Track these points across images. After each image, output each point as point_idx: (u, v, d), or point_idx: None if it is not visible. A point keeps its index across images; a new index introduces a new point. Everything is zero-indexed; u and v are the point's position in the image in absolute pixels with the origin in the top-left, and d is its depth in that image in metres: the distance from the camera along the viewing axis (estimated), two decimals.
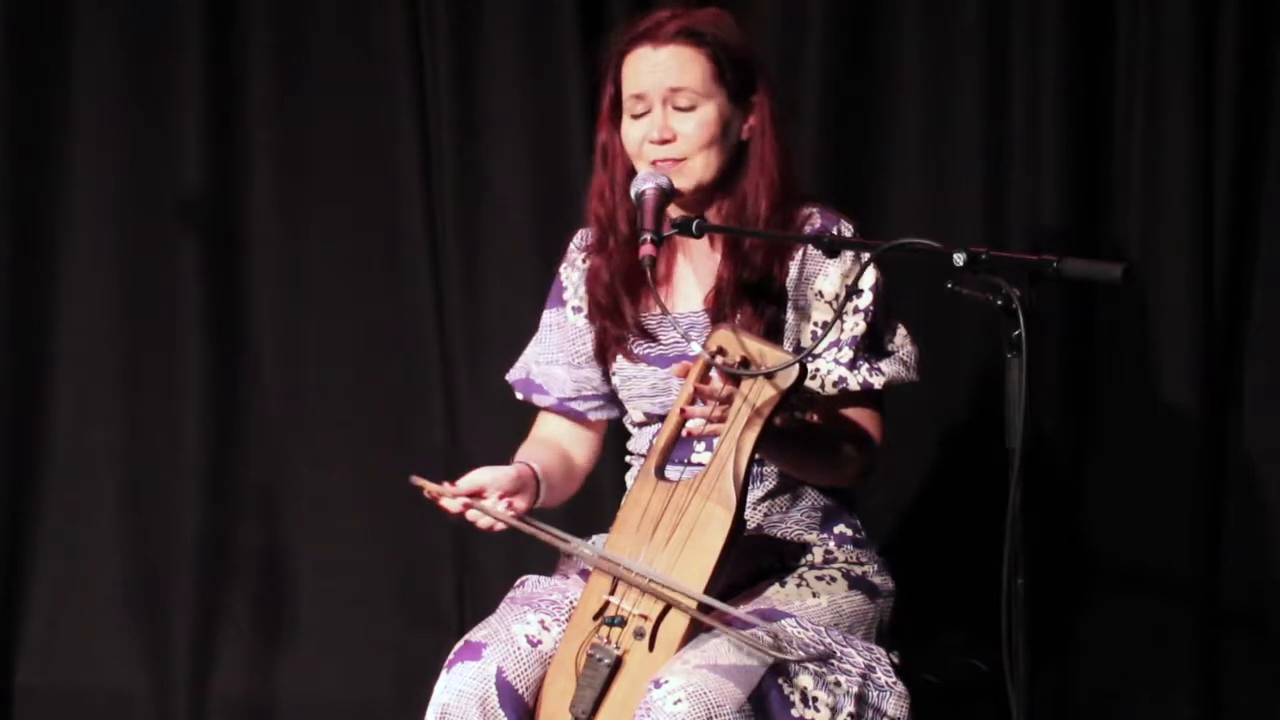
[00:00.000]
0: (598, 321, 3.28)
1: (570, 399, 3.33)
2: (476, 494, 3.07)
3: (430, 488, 3.06)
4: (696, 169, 3.16)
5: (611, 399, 3.34)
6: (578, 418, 3.35)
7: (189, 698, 4.35)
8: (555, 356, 3.34)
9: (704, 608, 2.95)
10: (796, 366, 2.94)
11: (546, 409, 3.36)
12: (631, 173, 3.18)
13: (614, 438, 3.43)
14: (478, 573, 4.25)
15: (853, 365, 3.15)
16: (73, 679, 4.41)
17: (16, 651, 4.43)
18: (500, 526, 3.07)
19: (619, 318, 3.24)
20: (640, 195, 3.08)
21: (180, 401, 4.35)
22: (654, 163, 3.14)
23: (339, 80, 4.30)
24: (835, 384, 3.15)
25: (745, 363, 2.97)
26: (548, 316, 3.36)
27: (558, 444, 3.34)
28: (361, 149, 4.30)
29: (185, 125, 4.32)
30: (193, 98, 4.31)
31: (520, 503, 3.11)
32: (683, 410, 3.01)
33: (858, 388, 3.15)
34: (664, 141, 3.14)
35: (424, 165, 4.25)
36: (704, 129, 3.15)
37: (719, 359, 2.97)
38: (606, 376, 3.31)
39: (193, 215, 4.32)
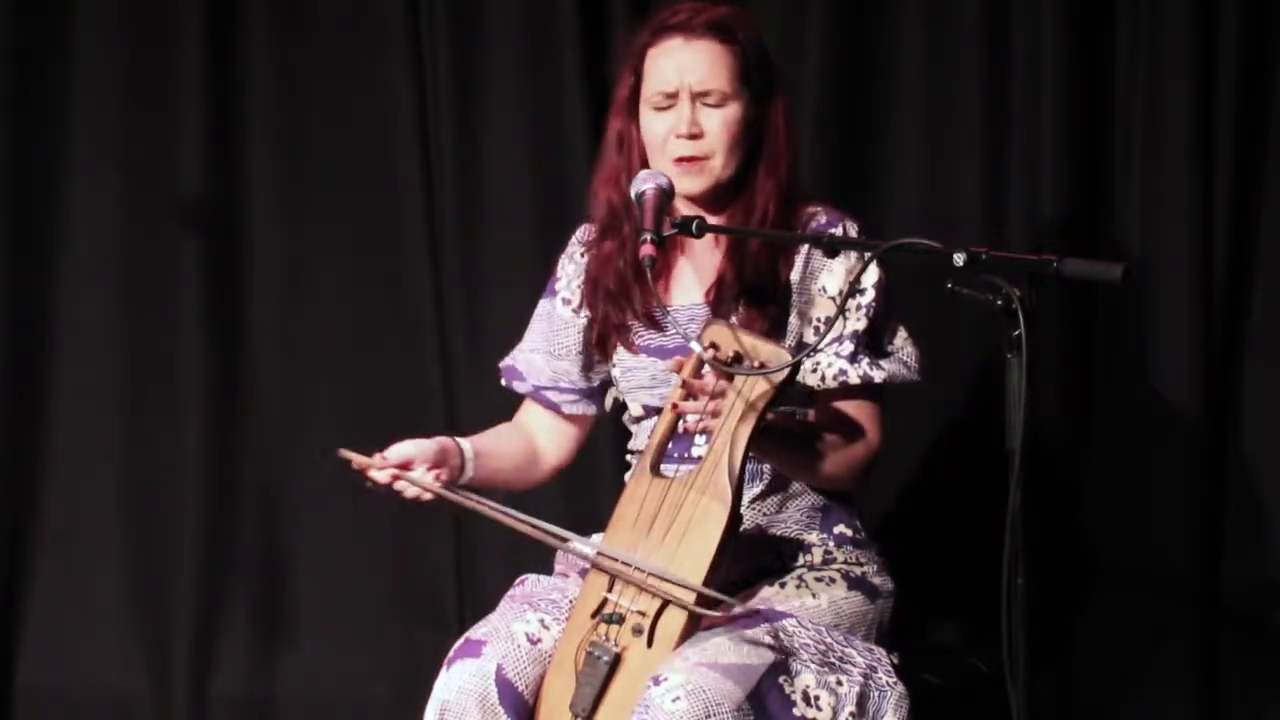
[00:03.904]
0: (599, 309, 3.27)
1: (546, 388, 3.34)
2: (405, 465, 3.10)
3: (359, 460, 3.09)
4: (716, 169, 3.17)
5: (589, 395, 3.34)
6: (553, 408, 3.35)
7: (189, 698, 4.35)
8: (538, 345, 3.35)
9: (701, 600, 2.95)
10: (787, 360, 2.94)
11: (525, 396, 3.38)
12: (647, 162, 3.18)
13: (615, 436, 3.43)
14: (477, 571, 4.25)
15: (853, 359, 3.15)
16: (73, 679, 4.41)
17: (16, 652, 4.43)
18: (427, 496, 3.11)
19: (628, 303, 3.24)
20: (640, 195, 3.08)
21: (180, 401, 4.36)
22: (677, 160, 3.14)
23: (339, 80, 4.31)
24: (835, 377, 3.15)
25: (739, 357, 2.97)
26: (540, 305, 3.37)
27: (527, 431, 3.36)
28: (361, 149, 4.30)
29: (185, 125, 4.33)
30: (193, 98, 4.32)
31: (443, 475, 3.15)
32: (675, 405, 3.01)
33: (858, 381, 3.15)
34: (692, 136, 3.14)
35: (424, 165, 4.25)
36: (729, 128, 3.15)
37: (711, 354, 2.97)
38: (586, 371, 3.32)
39: (193, 215, 4.33)
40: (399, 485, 3.12)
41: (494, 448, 3.28)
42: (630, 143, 3.23)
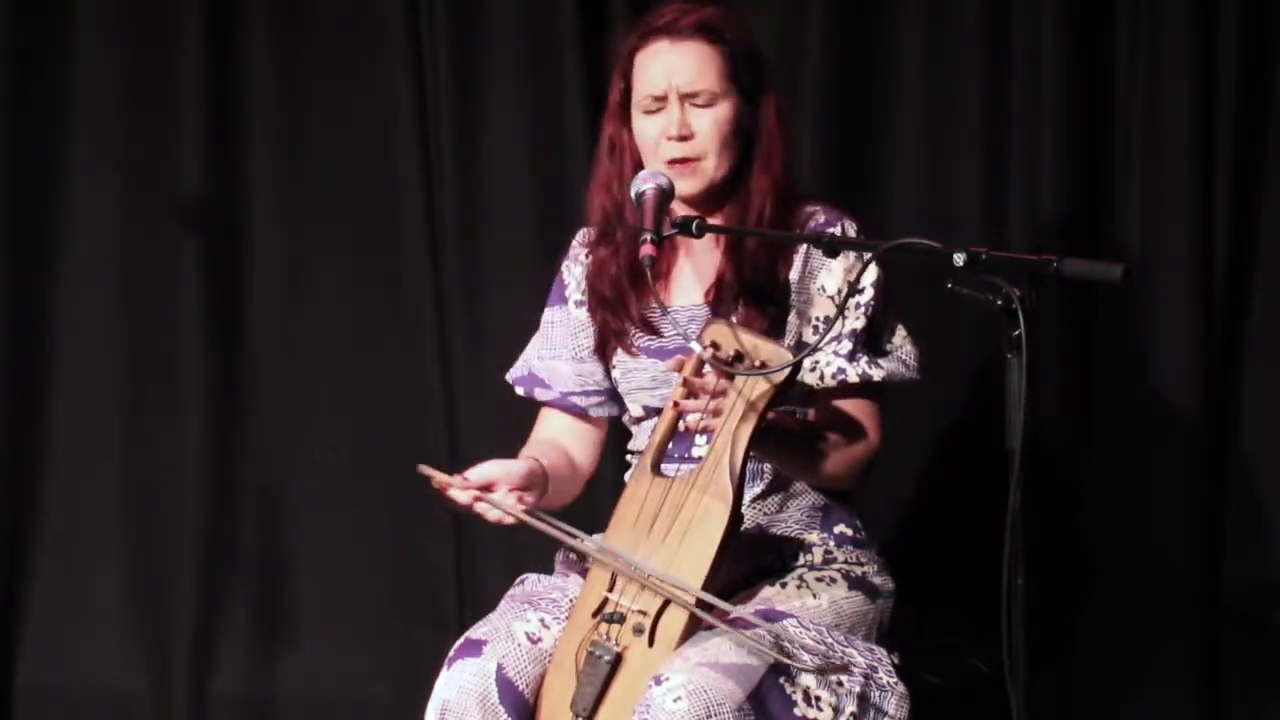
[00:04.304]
0: (598, 315, 3.27)
1: (573, 393, 3.33)
2: (487, 487, 3.07)
3: (440, 478, 3.05)
4: (709, 169, 3.16)
5: (613, 396, 3.33)
6: (580, 413, 3.34)
7: (189, 698, 4.35)
8: (558, 352, 3.34)
9: (704, 605, 2.95)
10: (788, 359, 2.94)
11: (548, 404, 3.36)
12: (639, 167, 3.18)
13: (615, 436, 3.43)
14: (477, 571, 4.25)
15: (852, 357, 3.15)
16: (73, 679, 4.41)
17: (16, 652, 4.43)
18: (509, 520, 3.07)
19: (623, 310, 3.24)
20: (640, 195, 3.07)
21: (180, 401, 4.35)
22: (670, 162, 3.14)
23: (339, 80, 4.31)
24: (834, 376, 3.15)
25: (740, 356, 2.97)
26: (549, 314, 3.36)
27: (560, 444, 3.33)
28: (361, 149, 4.30)
29: (185, 125, 4.33)
30: (193, 98, 4.32)
31: (529, 498, 3.11)
32: (676, 404, 3.01)
33: (856, 379, 3.15)
34: (683, 138, 3.14)
35: (424, 165, 4.25)
36: (719, 127, 3.15)
37: (711, 353, 2.97)
38: (608, 372, 3.31)
39: (193, 215, 4.33)
40: (480, 507, 3.06)
41: (553, 465, 3.24)
42: (622, 148, 3.23)
